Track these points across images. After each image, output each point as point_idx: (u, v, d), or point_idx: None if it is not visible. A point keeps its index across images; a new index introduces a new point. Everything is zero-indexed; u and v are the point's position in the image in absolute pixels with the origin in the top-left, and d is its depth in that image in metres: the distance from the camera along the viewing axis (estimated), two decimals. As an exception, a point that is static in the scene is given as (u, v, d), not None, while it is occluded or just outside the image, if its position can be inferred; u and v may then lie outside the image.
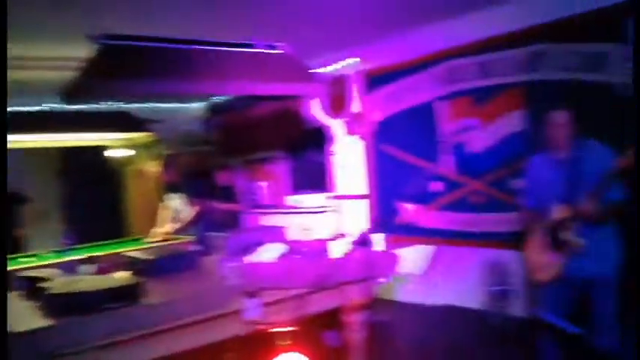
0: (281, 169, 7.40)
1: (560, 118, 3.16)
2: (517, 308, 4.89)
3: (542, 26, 4.57)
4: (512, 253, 4.73)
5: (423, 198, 5.71)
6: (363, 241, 2.19)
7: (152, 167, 7.56)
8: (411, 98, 5.74)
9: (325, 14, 4.81)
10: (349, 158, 6.48)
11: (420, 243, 5.78)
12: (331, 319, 3.41)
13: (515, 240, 4.23)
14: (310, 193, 6.90)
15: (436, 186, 5.60)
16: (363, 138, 6.30)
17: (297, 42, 4.09)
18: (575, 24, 4.37)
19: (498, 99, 4.98)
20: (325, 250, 3.20)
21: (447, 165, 5.46)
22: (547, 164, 3.31)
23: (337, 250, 3.17)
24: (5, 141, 2.47)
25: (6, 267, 2.87)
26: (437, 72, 5.48)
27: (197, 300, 2.84)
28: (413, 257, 5.78)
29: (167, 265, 3.55)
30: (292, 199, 7.16)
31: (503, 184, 4.96)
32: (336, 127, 6.54)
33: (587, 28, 4.31)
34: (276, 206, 7.31)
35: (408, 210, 5.88)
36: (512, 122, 4.87)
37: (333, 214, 6.44)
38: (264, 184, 7.62)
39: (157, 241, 5.63)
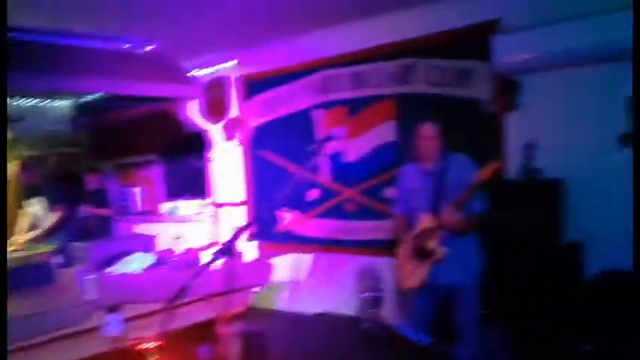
0: (156, 174, 7.09)
1: (427, 131, 3.30)
2: (389, 314, 5.03)
3: (413, 41, 4.77)
4: (385, 260, 4.87)
5: (301, 205, 5.73)
6: (226, 251, 2.10)
7: (10, 170, 6.91)
8: (289, 105, 5.75)
9: (204, 14, 4.66)
10: (227, 164, 6.35)
11: (298, 250, 5.79)
12: (203, 332, 3.28)
13: (388, 247, 4.36)
14: (186, 199, 6.67)
15: (313, 194, 5.64)
16: (241, 144, 6.20)
17: (174, 41, 3.90)
18: (443, 40, 4.61)
19: (372, 109, 5.12)
20: (195, 260, 3.07)
21: (323, 173, 5.52)
22: (415, 174, 3.43)
23: (208, 259, 3.05)
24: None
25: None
26: (312, 81, 5.53)
27: (49, 316, 2.59)
28: (290, 265, 5.76)
29: (19, 277, 3.23)
30: (167, 206, 6.87)
31: (377, 193, 5.10)
32: (215, 131, 6.39)
33: (454, 45, 4.56)
34: (150, 213, 6.98)
35: (286, 217, 5.87)
36: (384, 132, 5.03)
37: (209, 222, 6.26)
38: (137, 189, 7.25)
39: (11, 251, 5.13)
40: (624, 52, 3.72)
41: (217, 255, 1.98)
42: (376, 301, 5.14)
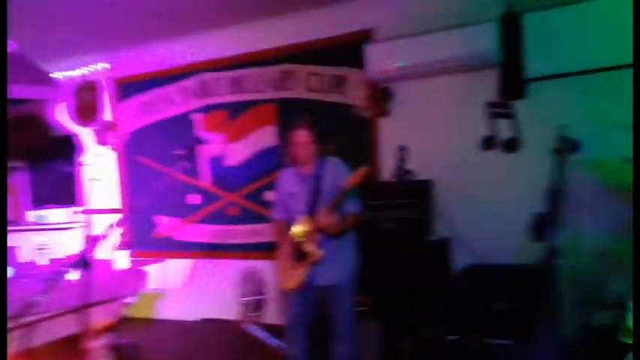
0: (20, 180, 6.56)
1: (301, 137, 3.34)
2: (271, 317, 5.05)
3: (292, 47, 4.84)
4: (266, 263, 4.89)
5: (181, 211, 5.59)
6: (82, 262, 1.99)
7: None
8: (166, 109, 5.59)
9: (73, 15, 4.41)
10: (101, 169, 6.03)
11: (178, 257, 5.64)
12: (71, 345, 3.09)
13: (269, 250, 4.37)
14: (55, 207, 6.24)
15: (194, 199, 5.52)
16: (115, 148, 5.92)
17: (40, 42, 3.64)
18: (321, 47, 4.72)
19: (252, 114, 5.13)
20: (59, 272, 2.88)
21: (204, 178, 5.42)
22: (292, 179, 3.47)
23: (65, 271, 2.88)
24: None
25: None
26: (190, 84, 5.43)
27: None
28: (170, 272, 5.60)
29: None
30: (33, 215, 6.38)
31: (258, 197, 5.11)
32: (86, 135, 6.04)
33: (330, 52, 4.69)
34: (14, 223, 6.44)
35: (165, 224, 5.69)
36: (265, 137, 5.05)
37: (80, 231, 5.90)
38: (-2, 198, 6.66)
39: None
40: (486, 62, 4.05)
41: (73, 266, 1.87)
42: (258, 305, 5.15)
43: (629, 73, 1.60)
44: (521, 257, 3.95)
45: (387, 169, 4.52)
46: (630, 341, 1.71)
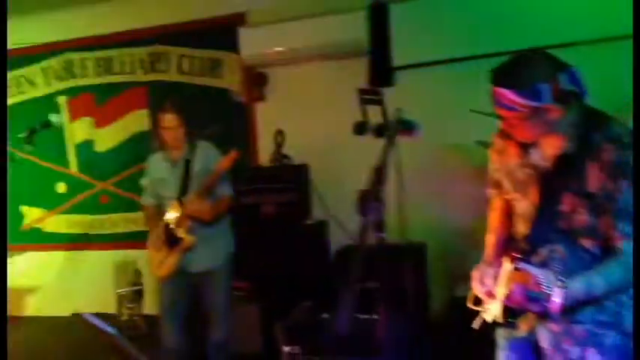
0: None
1: (169, 121, 3.26)
2: (148, 307, 4.91)
3: (163, 27, 4.68)
4: (142, 252, 4.72)
5: (48, 201, 5.24)
6: None
7: None
8: (30, 91, 5.20)
9: None
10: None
11: (47, 249, 5.30)
12: None
13: (144, 239, 4.24)
14: None
15: (62, 188, 5.20)
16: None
17: None
18: (193, 29, 4.60)
19: (122, 97, 4.91)
20: None
21: (72, 166, 5.12)
22: (162, 164, 3.38)
23: None
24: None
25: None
26: (53, 64, 5.09)
27: None
28: (39, 266, 5.26)
29: None
30: None
31: (130, 184, 4.91)
32: None
33: (204, 35, 4.59)
34: None
35: (32, 215, 5.32)
36: (135, 121, 4.86)
37: None
38: None
39: None
40: (357, 50, 4.16)
41: None
42: (135, 296, 4.97)
43: (489, 62, 1.72)
44: (394, 236, 4.18)
45: (264, 154, 4.54)
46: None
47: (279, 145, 4.41)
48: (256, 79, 4.47)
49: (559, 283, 1.52)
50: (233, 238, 3.49)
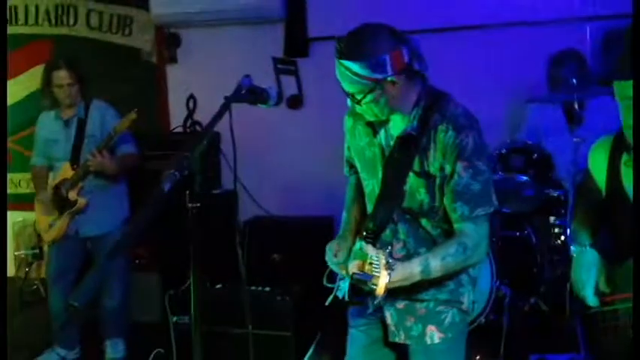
0: None
1: (61, 78, 3.08)
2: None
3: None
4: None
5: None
6: None
7: None
8: None
9: None
10: None
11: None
12: None
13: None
14: None
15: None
16: None
17: None
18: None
19: (26, 50, 4.62)
20: None
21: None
22: (53, 123, 3.21)
23: None
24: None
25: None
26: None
27: None
28: None
29: None
30: None
31: (32, 142, 4.66)
32: None
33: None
34: None
35: None
36: (39, 77, 4.58)
37: None
38: None
39: None
40: (272, 16, 4.07)
41: None
42: (34, 258, 4.77)
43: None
44: (304, 210, 4.19)
45: (175, 120, 4.41)
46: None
47: (190, 111, 4.29)
48: (168, 40, 4.30)
49: (387, 264, 1.53)
50: (128, 202, 3.36)
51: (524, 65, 3.67)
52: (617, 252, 1.52)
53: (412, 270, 1.59)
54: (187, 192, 1.54)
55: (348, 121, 1.88)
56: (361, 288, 1.60)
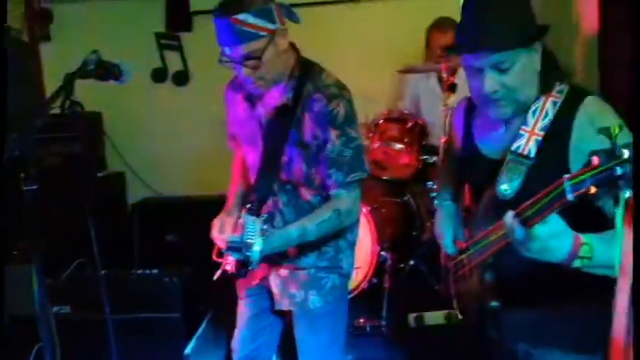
0: None
1: None
2: None
3: None
4: None
5: None
6: None
7: None
8: None
9: None
10: None
11: None
12: None
13: None
14: None
15: None
16: None
17: None
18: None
19: None
20: None
21: None
22: None
23: None
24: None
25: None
26: None
27: None
28: None
29: None
30: None
31: None
32: None
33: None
34: None
35: None
36: None
37: None
38: None
39: None
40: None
41: None
42: None
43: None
44: (193, 189, 4.11)
45: (51, 99, 4.15)
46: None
47: (67, 91, 4.05)
48: (39, 16, 4.01)
49: (262, 231, 1.55)
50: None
51: (403, 36, 3.77)
52: (474, 205, 1.61)
53: (289, 235, 1.65)
54: (22, 175, 1.42)
55: (228, 95, 1.87)
56: (248, 260, 1.62)
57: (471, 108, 1.56)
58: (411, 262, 3.01)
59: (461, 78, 3.28)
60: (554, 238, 1.09)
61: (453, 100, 2.96)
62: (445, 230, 1.67)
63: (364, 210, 2.82)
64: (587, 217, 1.18)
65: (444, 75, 2.77)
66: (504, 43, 1.27)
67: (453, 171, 1.76)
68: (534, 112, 1.34)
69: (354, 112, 1.70)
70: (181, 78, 4.15)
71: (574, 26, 3.07)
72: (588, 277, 1.19)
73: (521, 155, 1.32)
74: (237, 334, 1.96)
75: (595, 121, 1.22)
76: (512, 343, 1.50)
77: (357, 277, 2.84)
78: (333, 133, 1.65)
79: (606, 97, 1.36)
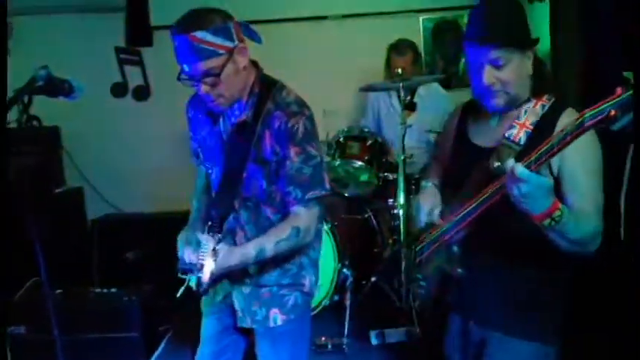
0: None
1: None
2: None
3: None
4: None
5: None
6: None
7: None
8: None
9: None
10: None
11: None
12: None
13: None
14: None
15: None
16: None
17: None
18: None
19: None
20: None
21: None
22: None
23: None
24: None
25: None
26: None
27: None
28: None
29: None
30: None
31: None
32: None
33: None
34: None
35: None
36: None
37: None
38: None
39: None
40: (112, 5, 3.88)
41: None
42: None
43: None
44: (154, 205, 4.06)
45: (8, 115, 4.05)
46: None
47: (25, 105, 3.96)
48: (-3, 29, 3.93)
49: (213, 251, 1.55)
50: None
51: (366, 54, 3.83)
52: (452, 194, 1.68)
53: (247, 254, 1.64)
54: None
55: (189, 111, 1.87)
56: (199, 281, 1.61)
57: (466, 111, 1.75)
58: (373, 279, 3.02)
59: (420, 97, 3.38)
60: (541, 190, 1.28)
61: (413, 118, 3.02)
62: (421, 205, 1.76)
63: (325, 227, 2.83)
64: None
65: (402, 94, 2.80)
66: (504, 41, 1.48)
67: (441, 162, 1.88)
68: (526, 110, 1.57)
69: (314, 130, 1.71)
70: (142, 93, 4.12)
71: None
72: (552, 265, 1.48)
73: (512, 141, 1.53)
74: (200, 351, 1.93)
75: None
76: (469, 321, 1.67)
77: (319, 295, 2.85)
78: (292, 150, 1.66)
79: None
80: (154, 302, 3.02)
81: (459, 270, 1.57)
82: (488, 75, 1.51)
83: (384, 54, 3.49)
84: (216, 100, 1.66)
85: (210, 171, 1.85)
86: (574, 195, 1.45)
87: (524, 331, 1.56)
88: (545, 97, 1.57)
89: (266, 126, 1.67)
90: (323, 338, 2.74)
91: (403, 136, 2.73)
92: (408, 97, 3.02)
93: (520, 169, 1.26)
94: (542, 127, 1.51)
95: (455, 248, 1.60)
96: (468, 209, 1.50)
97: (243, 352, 1.96)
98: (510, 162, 1.29)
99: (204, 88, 1.62)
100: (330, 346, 2.71)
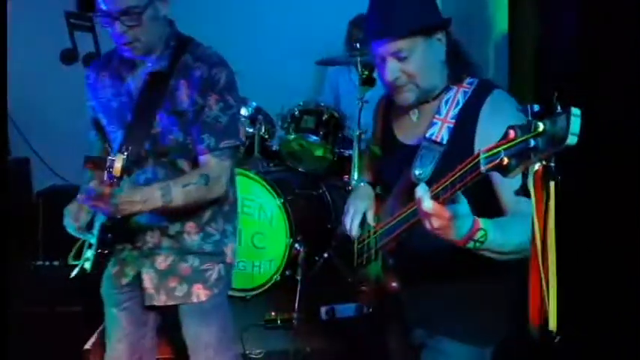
0: None
1: None
2: None
3: None
4: None
5: None
6: None
7: None
8: None
9: None
10: None
11: None
12: None
13: None
14: None
15: None
16: None
17: None
18: None
19: None
20: None
21: None
22: None
23: None
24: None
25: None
26: None
27: None
28: None
29: None
30: None
31: None
32: None
33: None
34: None
35: None
36: None
37: None
38: None
39: None
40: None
41: None
42: None
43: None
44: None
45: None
46: None
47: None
48: None
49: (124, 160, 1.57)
50: None
51: (326, 28, 3.76)
52: (385, 191, 1.64)
53: (151, 192, 1.58)
54: None
55: (90, 76, 1.81)
56: (109, 255, 1.54)
57: (391, 102, 1.60)
58: (325, 255, 2.99)
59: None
60: (457, 219, 1.13)
61: (370, 93, 2.98)
62: (358, 208, 1.64)
63: (278, 201, 2.78)
64: (487, 203, 1.27)
65: (359, 69, 2.76)
66: (401, 31, 1.35)
67: (373, 158, 1.81)
68: (447, 101, 1.43)
69: (234, 82, 1.71)
70: (92, 60, 3.94)
71: (486, 24, 3.17)
72: (486, 270, 1.30)
73: (434, 142, 1.41)
74: (113, 349, 1.83)
75: (497, 111, 1.34)
76: (410, 329, 1.58)
77: (270, 269, 2.81)
78: (212, 98, 1.64)
79: (517, 90, 1.43)
80: (100, 276, 2.95)
81: (394, 284, 1.47)
82: (392, 69, 1.39)
83: (342, 27, 3.44)
84: (132, 43, 1.60)
85: (113, 135, 1.77)
86: (508, 192, 1.23)
87: (463, 333, 1.48)
88: (465, 83, 1.43)
89: (182, 76, 1.65)
90: (273, 313, 2.71)
91: (359, 111, 2.69)
92: (367, 72, 2.97)
93: (426, 203, 1.11)
94: (465, 120, 1.38)
95: (390, 260, 1.49)
96: (393, 223, 1.40)
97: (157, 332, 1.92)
98: (418, 192, 1.14)
99: (120, 28, 1.57)
100: (279, 321, 2.68)
